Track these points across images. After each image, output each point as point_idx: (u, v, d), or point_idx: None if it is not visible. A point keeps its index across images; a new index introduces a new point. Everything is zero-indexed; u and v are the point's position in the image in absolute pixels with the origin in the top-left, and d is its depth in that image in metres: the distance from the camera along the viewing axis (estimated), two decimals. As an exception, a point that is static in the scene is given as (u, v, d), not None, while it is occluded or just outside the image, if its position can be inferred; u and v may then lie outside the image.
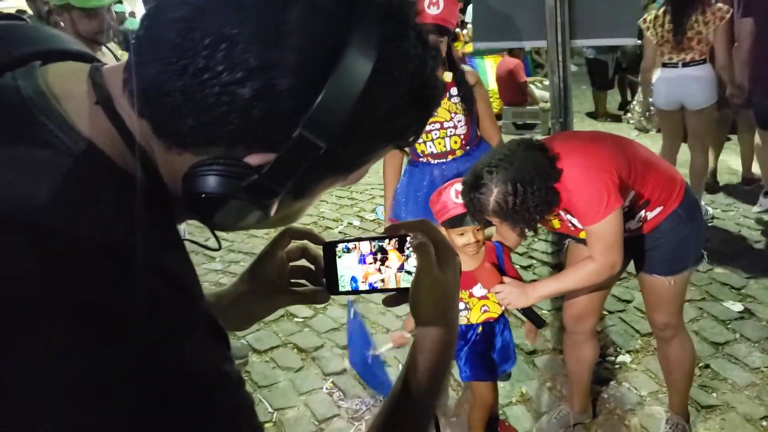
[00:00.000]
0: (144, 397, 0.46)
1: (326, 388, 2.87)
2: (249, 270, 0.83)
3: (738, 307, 3.29)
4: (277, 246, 0.82)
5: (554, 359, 2.99)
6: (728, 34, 4.04)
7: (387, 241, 0.76)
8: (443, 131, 2.58)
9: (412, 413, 0.70)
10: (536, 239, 4.29)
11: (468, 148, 2.65)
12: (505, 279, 2.08)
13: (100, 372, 0.44)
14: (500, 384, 2.80)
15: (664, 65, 4.32)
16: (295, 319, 3.46)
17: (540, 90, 7.49)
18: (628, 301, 3.41)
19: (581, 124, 7.40)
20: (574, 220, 2.02)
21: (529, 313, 2.09)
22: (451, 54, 2.58)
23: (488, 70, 7.96)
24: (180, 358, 0.48)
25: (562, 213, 2.03)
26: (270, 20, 0.50)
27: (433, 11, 2.36)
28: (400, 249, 0.75)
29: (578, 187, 1.89)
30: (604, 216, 1.88)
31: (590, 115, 7.98)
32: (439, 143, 2.61)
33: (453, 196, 2.07)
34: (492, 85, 7.90)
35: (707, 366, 2.84)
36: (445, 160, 2.65)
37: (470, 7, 5.66)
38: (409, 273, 0.74)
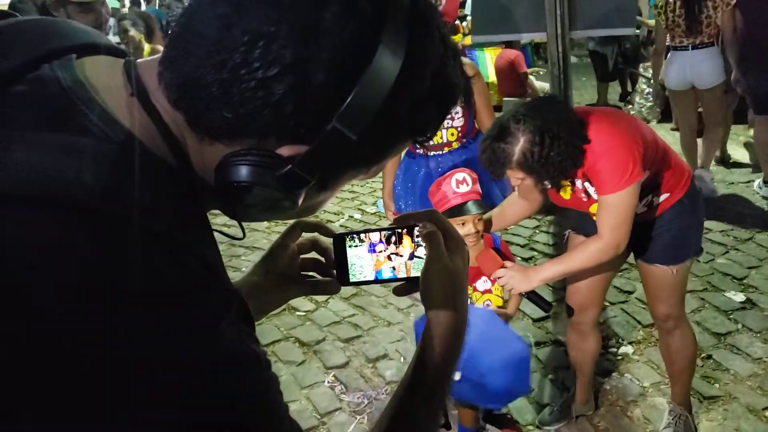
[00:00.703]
0: (184, 377, 0.48)
1: (328, 382, 2.87)
2: (261, 262, 0.85)
3: (740, 297, 3.29)
4: (288, 238, 0.84)
5: (556, 351, 2.99)
6: (734, 18, 4.35)
7: (396, 231, 0.77)
8: None
9: (425, 398, 0.71)
10: (538, 231, 4.28)
11: (465, 140, 2.66)
12: (507, 263, 2.05)
13: (144, 353, 0.46)
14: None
15: (675, 48, 4.67)
16: (297, 313, 3.45)
17: (540, 81, 7.47)
18: (630, 292, 3.40)
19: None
20: (591, 189, 1.98)
21: (533, 297, 2.04)
22: None
23: (488, 62, 7.93)
24: (218, 339, 0.50)
25: (578, 181, 2.00)
26: (307, 19, 0.52)
27: None
28: (410, 239, 0.76)
29: (606, 151, 1.86)
30: (625, 185, 1.85)
31: (592, 106, 7.96)
32: (437, 134, 2.59)
33: (454, 185, 2.07)
34: (492, 77, 7.88)
35: (709, 357, 2.84)
36: (441, 152, 2.66)
37: (469, 0, 5.64)
38: (418, 262, 0.75)
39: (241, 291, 0.80)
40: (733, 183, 4.90)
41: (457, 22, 10.26)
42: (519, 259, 3.91)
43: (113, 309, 0.46)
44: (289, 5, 0.52)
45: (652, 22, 6.28)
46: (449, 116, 2.52)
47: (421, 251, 0.75)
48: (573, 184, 2.03)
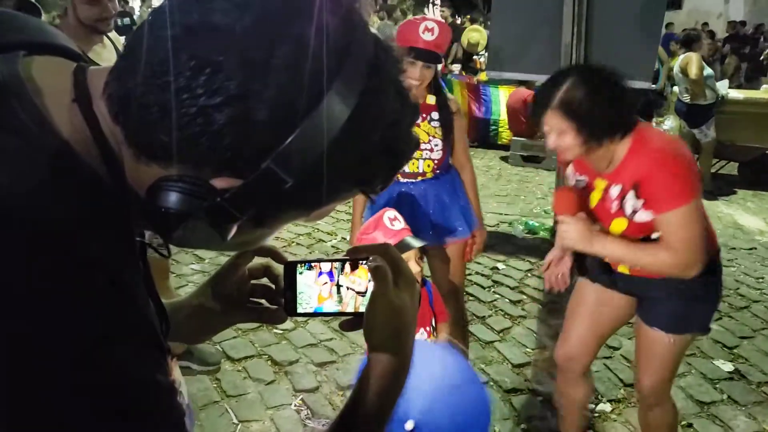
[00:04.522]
0: (75, 387, 0.48)
1: (295, 405, 2.78)
2: (208, 283, 0.83)
3: (728, 367, 3.19)
4: (239, 262, 0.82)
5: (532, 400, 2.89)
6: None
7: (348, 263, 0.75)
8: (419, 152, 2.57)
9: None
10: (529, 274, 4.21)
11: (438, 172, 2.64)
12: (581, 215, 1.90)
13: (37, 358, 0.47)
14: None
15: None
16: (274, 331, 3.37)
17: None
18: (616, 348, 3.31)
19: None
20: (631, 202, 1.84)
21: (579, 258, 1.94)
22: (437, 79, 2.60)
23: (501, 99, 7.94)
24: (114, 359, 0.50)
25: (617, 188, 1.87)
26: (256, 53, 0.51)
27: (427, 37, 2.41)
28: (366, 272, 0.74)
29: (669, 158, 1.77)
30: (689, 200, 1.74)
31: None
32: (413, 164, 2.59)
33: (388, 223, 2.01)
34: (503, 115, 7.87)
35: (690, 425, 2.74)
36: (414, 180, 2.64)
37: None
38: (358, 299, 0.74)
39: (178, 315, 0.79)
40: (734, 248, 4.82)
41: (475, 57, 10.36)
42: (507, 301, 3.83)
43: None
44: (241, 37, 0.51)
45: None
46: (428, 147, 2.57)
47: (371, 286, 0.72)
48: (607, 190, 1.91)
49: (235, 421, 2.67)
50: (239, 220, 0.56)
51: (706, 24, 13.72)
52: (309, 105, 0.52)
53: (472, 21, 11.77)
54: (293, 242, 4.70)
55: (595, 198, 1.97)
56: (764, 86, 7.79)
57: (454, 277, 2.75)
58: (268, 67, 0.51)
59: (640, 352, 2.14)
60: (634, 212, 1.86)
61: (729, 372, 3.15)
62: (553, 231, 4.88)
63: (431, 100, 2.56)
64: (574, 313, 2.26)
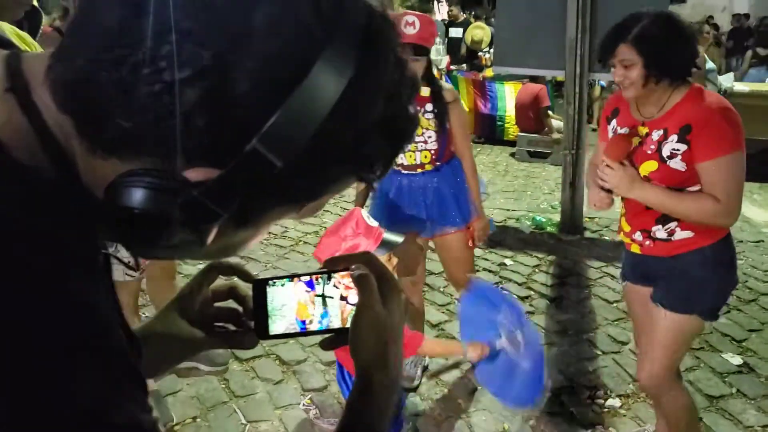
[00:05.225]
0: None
1: (303, 404, 2.78)
2: (170, 306, 0.74)
3: (737, 360, 3.18)
4: (201, 283, 0.73)
5: (568, 427, 2.86)
6: None
7: (326, 276, 0.68)
8: (414, 145, 2.63)
9: None
10: (537, 270, 4.20)
11: (438, 163, 2.70)
12: (626, 162, 1.98)
13: None
14: (481, 418, 2.72)
15: None
16: (282, 330, 3.38)
17: (557, 121, 7.45)
18: (624, 343, 3.30)
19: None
20: (672, 146, 1.90)
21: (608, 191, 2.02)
22: (430, 71, 2.65)
23: (507, 95, 7.93)
24: (83, 399, 0.42)
25: (659, 132, 1.94)
26: (233, 17, 0.43)
27: (410, 31, 2.46)
28: (340, 285, 0.68)
29: (726, 108, 1.87)
30: (740, 148, 1.84)
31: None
32: (410, 156, 2.67)
33: (368, 220, 2.00)
34: (510, 111, 7.86)
35: (700, 419, 2.72)
36: (414, 173, 2.71)
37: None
38: (344, 312, 0.67)
39: (142, 338, 0.69)
40: (742, 241, 4.79)
41: (480, 53, 10.34)
42: (515, 297, 3.83)
43: None
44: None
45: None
46: (422, 139, 2.62)
47: (353, 299, 0.67)
48: (648, 134, 1.97)
49: (244, 421, 2.68)
50: (221, 219, 0.47)
51: (711, 17, 13.65)
52: (297, 75, 0.44)
53: (476, 18, 11.74)
54: (300, 241, 4.70)
55: (632, 144, 2.02)
56: (770, 78, 7.76)
57: (459, 265, 2.83)
58: (247, 32, 0.43)
59: (644, 339, 2.14)
60: (670, 157, 1.91)
61: (738, 365, 3.13)
62: (560, 226, 4.88)
63: (425, 92, 2.59)
64: (635, 326, 2.36)
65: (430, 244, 2.92)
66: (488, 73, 8.16)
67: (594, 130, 8.96)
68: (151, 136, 0.44)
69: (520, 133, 7.49)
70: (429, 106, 2.60)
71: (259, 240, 0.59)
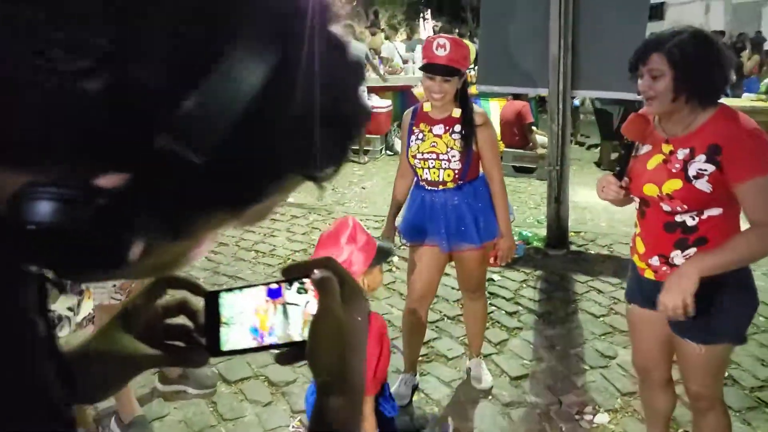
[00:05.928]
0: None
1: (293, 426, 2.77)
2: (113, 323, 0.69)
3: (723, 372, 3.20)
4: (148, 298, 0.69)
5: (530, 413, 2.89)
6: None
7: (284, 285, 0.64)
8: (438, 162, 2.72)
9: None
10: (525, 285, 4.22)
11: (460, 182, 2.77)
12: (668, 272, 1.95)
13: None
14: (471, 435, 2.72)
15: None
16: (272, 351, 3.37)
17: (542, 136, 7.53)
18: (612, 357, 3.33)
19: (582, 172, 7.40)
20: (698, 166, 1.86)
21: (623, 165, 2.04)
22: (465, 92, 2.72)
23: (492, 112, 8.00)
24: None
25: (684, 151, 1.90)
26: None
27: (441, 53, 2.57)
28: (300, 293, 0.64)
29: (757, 129, 1.84)
30: None
31: (596, 164, 8.01)
32: (434, 173, 2.75)
33: (363, 227, 2.00)
34: (495, 127, 7.92)
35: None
36: (436, 189, 2.80)
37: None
38: (307, 322, 0.63)
39: (81, 360, 0.65)
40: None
41: (467, 71, 10.43)
42: (503, 313, 3.85)
43: None
44: None
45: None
46: (446, 158, 2.69)
47: (312, 308, 0.63)
48: (673, 152, 1.92)
49: (234, 443, 2.67)
50: (143, 230, 0.42)
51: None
52: (207, 61, 0.39)
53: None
54: (289, 259, 4.70)
55: (655, 161, 1.98)
56: (745, 95, 7.88)
57: (472, 280, 2.95)
58: (147, 12, 0.38)
59: (680, 362, 2.12)
60: (696, 177, 1.87)
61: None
62: (546, 241, 4.91)
63: (456, 113, 2.69)
64: (636, 347, 2.33)
65: (450, 263, 2.98)
66: (473, 90, 8.23)
67: (580, 143, 9.10)
68: (48, 140, 0.38)
69: (505, 149, 7.56)
70: (457, 127, 2.69)
71: (204, 253, 0.52)
